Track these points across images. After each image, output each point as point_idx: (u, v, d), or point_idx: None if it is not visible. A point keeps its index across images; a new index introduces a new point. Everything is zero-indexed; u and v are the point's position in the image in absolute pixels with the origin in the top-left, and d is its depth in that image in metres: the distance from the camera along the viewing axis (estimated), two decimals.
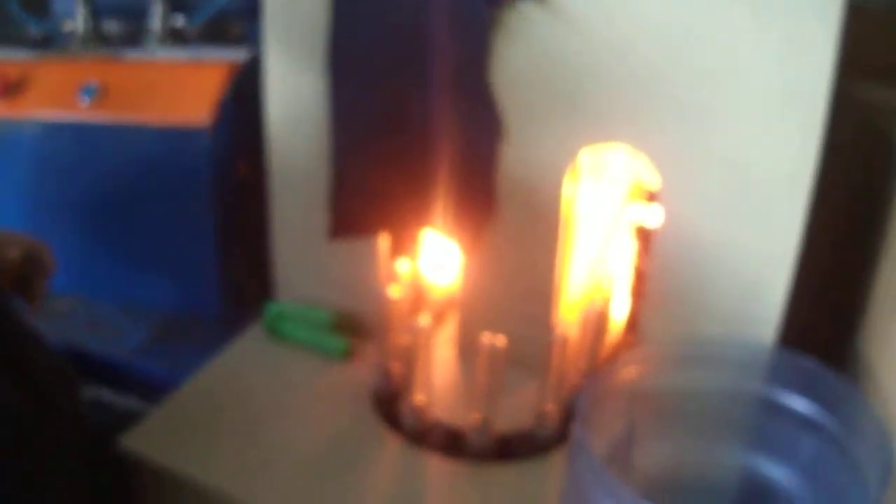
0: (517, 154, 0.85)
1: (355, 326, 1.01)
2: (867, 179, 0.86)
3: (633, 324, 0.96)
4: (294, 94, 0.94)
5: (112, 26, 1.25)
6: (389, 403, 0.88)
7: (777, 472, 0.72)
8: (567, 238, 0.89)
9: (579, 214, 0.91)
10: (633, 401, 0.72)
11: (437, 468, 0.82)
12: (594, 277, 0.96)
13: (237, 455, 0.82)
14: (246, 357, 1.00)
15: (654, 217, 0.86)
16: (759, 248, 0.77)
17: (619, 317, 0.97)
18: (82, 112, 1.13)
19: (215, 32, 1.21)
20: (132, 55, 1.17)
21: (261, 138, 0.98)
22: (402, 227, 0.95)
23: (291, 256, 1.04)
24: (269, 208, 1.02)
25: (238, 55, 1.12)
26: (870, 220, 0.84)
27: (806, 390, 0.69)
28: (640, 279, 0.92)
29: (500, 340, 0.76)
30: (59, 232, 1.16)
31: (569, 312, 0.93)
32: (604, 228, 0.94)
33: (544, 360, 0.81)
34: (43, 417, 0.70)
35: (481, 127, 0.85)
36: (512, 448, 0.83)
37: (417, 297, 0.98)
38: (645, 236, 0.91)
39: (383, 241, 0.97)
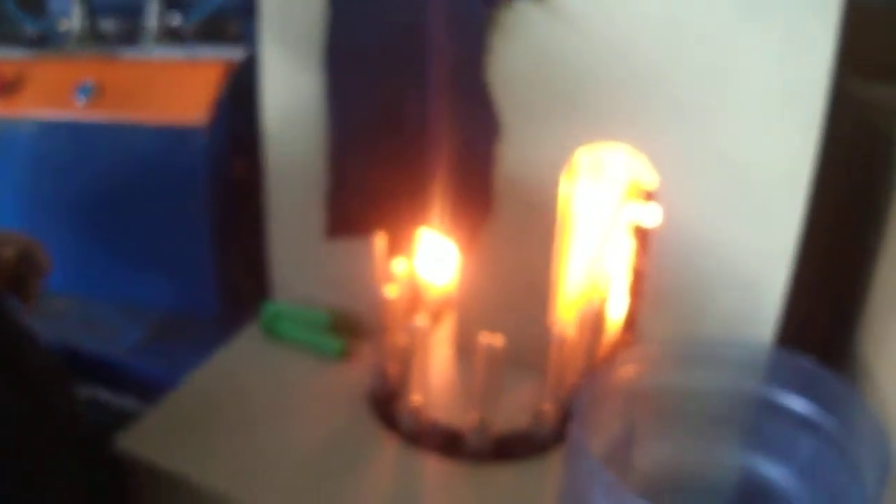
0: (514, 153, 0.85)
1: (352, 326, 1.01)
2: (865, 178, 0.86)
3: (630, 323, 0.95)
4: (291, 92, 0.93)
5: (108, 25, 1.25)
6: (386, 404, 0.88)
7: (775, 472, 0.72)
8: (564, 237, 0.89)
9: (577, 214, 0.90)
10: (631, 400, 0.72)
11: (434, 469, 0.82)
12: (592, 277, 0.96)
13: (234, 455, 0.82)
14: (242, 357, 1.00)
15: (651, 216, 0.85)
16: (758, 247, 0.77)
17: (616, 316, 0.97)
18: (78, 111, 1.13)
19: (212, 31, 1.20)
20: (128, 54, 1.17)
21: (257, 137, 0.98)
22: (399, 226, 0.95)
23: (288, 256, 1.04)
24: (265, 207, 1.01)
25: (234, 54, 1.12)
26: (868, 219, 0.84)
27: (804, 390, 0.69)
28: (638, 278, 0.92)
29: (498, 340, 0.76)
30: (56, 231, 1.16)
31: (566, 312, 0.93)
32: (601, 228, 0.94)
33: (542, 360, 0.81)
34: (38, 417, 0.70)
35: (478, 126, 0.84)
36: (510, 448, 0.83)
37: (414, 297, 0.98)
38: (643, 235, 0.91)
39: (380, 241, 0.97)
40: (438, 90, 0.85)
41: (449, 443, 0.83)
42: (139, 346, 1.12)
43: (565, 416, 0.82)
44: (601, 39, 0.77)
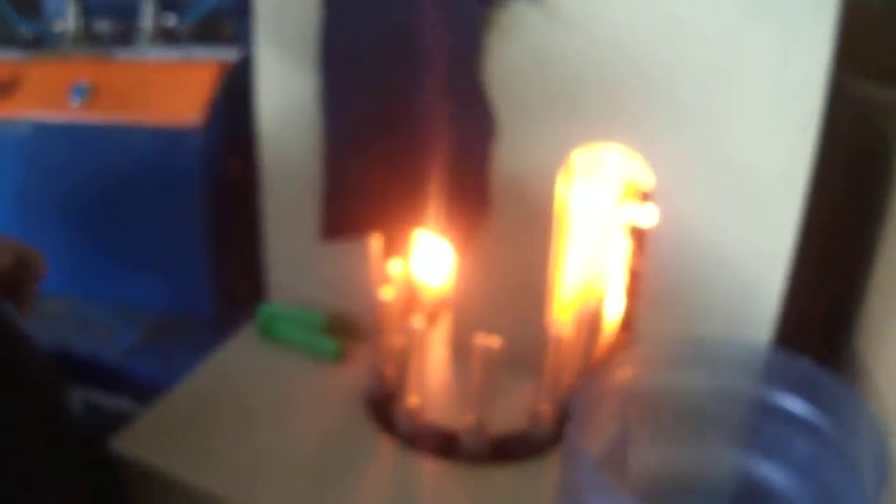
0: (511, 154, 0.85)
1: (348, 328, 1.01)
2: (863, 178, 0.86)
3: (627, 324, 0.95)
4: (286, 93, 0.93)
5: (103, 26, 1.25)
6: (383, 405, 0.88)
7: (773, 473, 0.72)
8: (561, 238, 0.88)
9: (573, 214, 0.90)
10: (628, 401, 0.72)
11: (431, 470, 0.81)
12: (588, 277, 0.96)
13: (229, 457, 0.82)
14: (238, 358, 1.00)
15: (648, 217, 0.85)
16: (755, 247, 0.77)
17: (613, 317, 0.97)
18: (73, 112, 1.13)
19: (206, 32, 1.20)
20: (123, 55, 1.17)
21: (252, 138, 0.97)
22: (395, 227, 0.95)
23: (284, 257, 1.03)
24: (261, 208, 1.01)
25: (229, 54, 1.11)
26: (866, 219, 0.84)
27: (802, 391, 0.69)
28: (635, 279, 0.92)
29: (494, 341, 0.75)
30: (51, 232, 1.16)
31: (563, 313, 0.93)
32: (598, 228, 0.94)
33: (538, 361, 0.81)
34: (33, 418, 0.70)
35: (474, 126, 0.84)
36: (506, 449, 0.82)
37: (410, 298, 0.98)
38: (639, 236, 0.91)
39: (376, 242, 0.97)
40: (434, 90, 0.85)
41: (446, 444, 0.83)
42: (135, 347, 1.12)
43: (562, 418, 0.82)
44: (597, 39, 0.76)
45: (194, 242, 1.12)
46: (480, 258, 0.91)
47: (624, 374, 0.71)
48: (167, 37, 1.19)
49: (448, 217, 0.90)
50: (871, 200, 0.84)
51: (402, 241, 0.98)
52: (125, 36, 1.22)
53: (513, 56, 0.81)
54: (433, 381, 0.93)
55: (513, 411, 0.84)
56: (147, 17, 1.18)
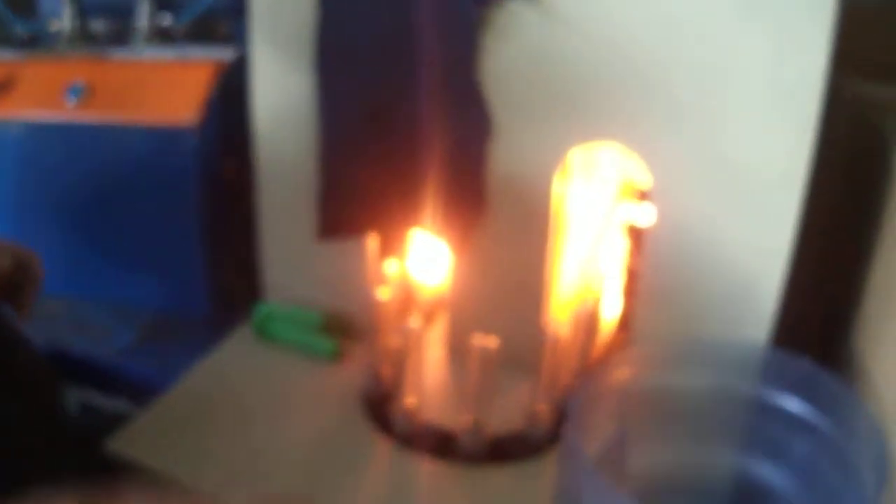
0: (507, 153, 0.84)
1: (345, 327, 1.01)
2: (862, 178, 0.86)
3: (625, 323, 0.95)
4: (281, 93, 0.93)
5: (99, 25, 1.25)
6: (380, 405, 0.88)
7: (771, 474, 0.71)
8: (558, 237, 0.88)
9: (570, 214, 0.90)
10: (626, 401, 0.72)
11: (428, 470, 0.81)
12: (585, 277, 0.96)
13: (226, 457, 0.81)
14: (234, 358, 0.99)
15: (645, 216, 0.85)
16: (753, 247, 0.77)
17: (610, 316, 0.97)
18: (69, 112, 1.12)
19: (202, 31, 1.20)
20: (119, 54, 1.17)
21: (248, 138, 0.97)
22: (391, 227, 0.95)
23: (280, 257, 1.03)
24: (256, 208, 1.01)
25: (225, 54, 1.11)
26: (864, 218, 0.84)
27: (800, 390, 0.69)
28: (632, 279, 0.92)
29: (492, 341, 0.75)
30: (46, 232, 1.16)
31: (560, 312, 0.92)
32: (595, 228, 0.94)
33: (536, 361, 0.81)
34: (30, 419, 0.70)
35: (470, 126, 0.84)
36: (504, 449, 0.82)
37: (407, 298, 0.97)
38: (637, 235, 0.91)
39: (372, 242, 0.97)
40: (430, 90, 0.85)
41: (442, 444, 0.82)
42: (131, 347, 1.11)
43: (560, 418, 0.82)
44: (594, 39, 0.76)
45: (190, 242, 1.12)
46: (477, 258, 0.91)
47: (621, 373, 0.71)
48: (163, 36, 1.19)
49: (445, 217, 0.90)
50: (869, 199, 0.83)
51: (398, 241, 0.98)
52: (121, 36, 1.22)
53: (509, 55, 0.81)
54: (430, 381, 0.93)
55: (510, 411, 0.84)
56: (143, 17, 1.18)
